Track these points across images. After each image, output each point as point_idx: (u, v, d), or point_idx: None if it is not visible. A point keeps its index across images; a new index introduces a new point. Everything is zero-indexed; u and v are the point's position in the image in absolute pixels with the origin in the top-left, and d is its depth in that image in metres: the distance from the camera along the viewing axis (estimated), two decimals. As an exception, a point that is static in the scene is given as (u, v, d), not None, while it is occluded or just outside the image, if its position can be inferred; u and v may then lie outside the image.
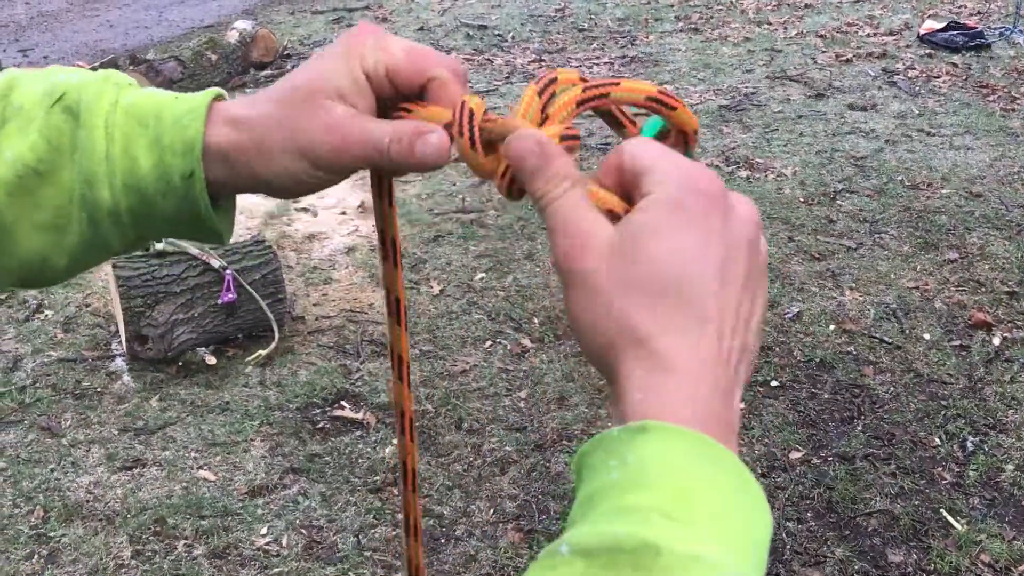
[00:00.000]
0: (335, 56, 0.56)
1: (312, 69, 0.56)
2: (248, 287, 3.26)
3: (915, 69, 6.25)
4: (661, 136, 0.54)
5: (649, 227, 0.46)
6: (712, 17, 7.79)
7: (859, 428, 2.94)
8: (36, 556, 2.48)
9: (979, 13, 7.58)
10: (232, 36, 6.32)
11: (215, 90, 0.58)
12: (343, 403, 3.07)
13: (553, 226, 0.48)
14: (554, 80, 0.52)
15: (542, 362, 3.26)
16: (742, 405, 3.04)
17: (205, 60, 5.95)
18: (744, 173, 4.70)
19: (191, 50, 6.06)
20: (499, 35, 7.40)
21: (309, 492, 2.70)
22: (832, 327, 3.43)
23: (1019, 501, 2.66)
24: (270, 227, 4.22)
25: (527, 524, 2.60)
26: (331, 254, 4.02)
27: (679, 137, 0.54)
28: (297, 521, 2.60)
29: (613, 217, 0.48)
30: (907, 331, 3.40)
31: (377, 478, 2.75)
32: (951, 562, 2.46)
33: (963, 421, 2.95)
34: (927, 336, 3.37)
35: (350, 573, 2.44)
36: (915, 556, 2.49)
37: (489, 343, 3.38)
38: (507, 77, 6.35)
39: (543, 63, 6.65)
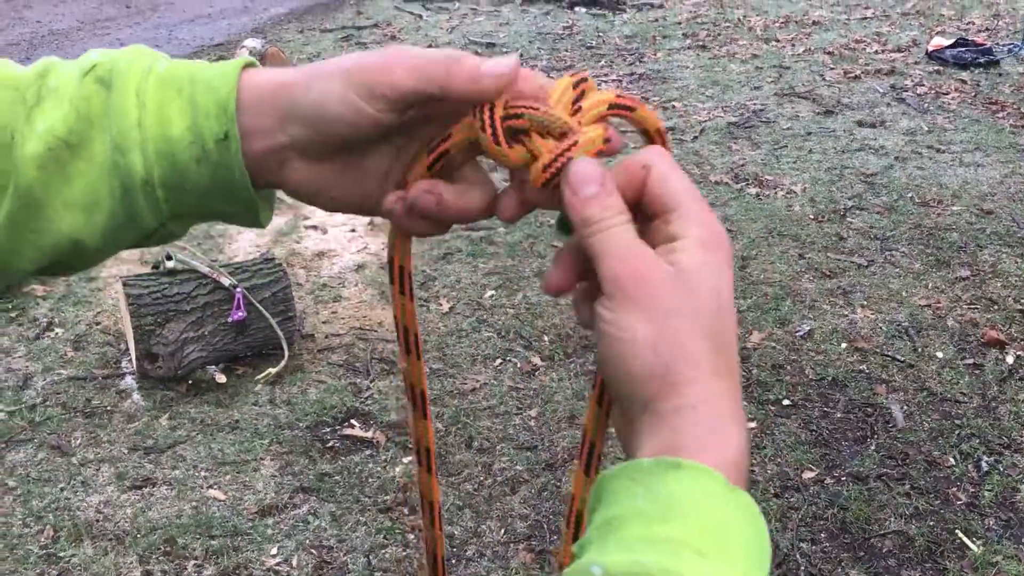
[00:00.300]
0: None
1: None
2: (258, 305, 3.26)
3: (924, 86, 6.25)
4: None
5: (707, 268, 0.49)
6: (720, 34, 7.81)
7: (872, 447, 2.91)
8: (45, 576, 2.48)
9: (987, 30, 7.59)
10: (242, 54, 6.35)
11: (248, 58, 0.57)
12: (353, 421, 3.06)
13: (605, 251, 0.49)
14: (585, 79, 0.54)
15: (552, 380, 3.25)
16: (753, 424, 3.02)
17: (215, 78, 5.98)
18: (753, 190, 4.69)
19: (201, 68, 6.08)
20: (507, 53, 7.42)
21: (319, 512, 2.69)
22: (844, 345, 3.41)
23: (1035, 522, 2.63)
24: (280, 245, 4.23)
25: (538, 544, 2.58)
26: (340, 271, 4.02)
27: (652, 138, 0.55)
28: (307, 541, 2.58)
29: None
30: (919, 349, 3.38)
31: (387, 497, 2.73)
32: (967, 584, 2.43)
33: (977, 440, 2.93)
34: (940, 354, 3.35)
35: (360, 594, 2.42)
36: (931, 578, 2.46)
37: (499, 361, 3.37)
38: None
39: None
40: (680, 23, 8.25)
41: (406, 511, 2.68)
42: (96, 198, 0.55)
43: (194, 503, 2.71)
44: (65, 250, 0.56)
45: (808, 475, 2.81)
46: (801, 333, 3.48)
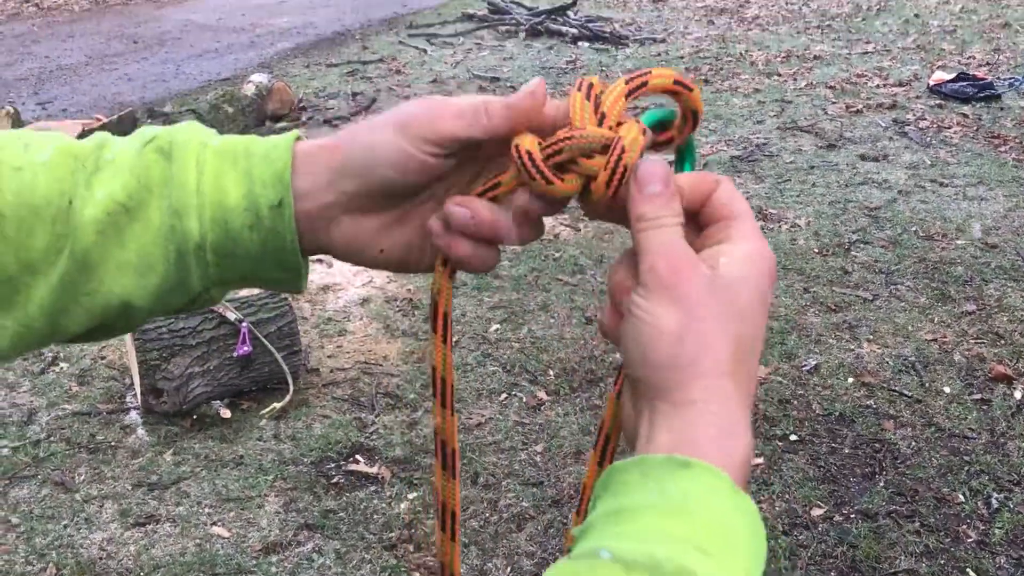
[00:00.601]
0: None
1: None
2: (264, 339, 3.25)
3: (926, 120, 6.28)
4: (661, 125, 0.59)
5: (747, 280, 0.51)
6: (722, 68, 7.87)
7: (881, 484, 2.89)
8: (47, 615, 2.45)
9: (988, 64, 7.64)
10: (248, 89, 6.41)
11: (297, 131, 0.61)
12: (358, 457, 3.04)
13: (650, 247, 0.52)
14: (592, 84, 0.56)
15: (558, 415, 3.24)
16: (760, 459, 3.00)
17: (222, 113, 6.03)
18: (758, 223, 4.69)
19: (208, 103, 6.14)
20: (512, 87, 7.47)
21: (324, 549, 2.66)
22: (851, 380, 3.40)
23: (1047, 560, 2.60)
24: (285, 278, 4.23)
25: (545, 583, 2.55)
26: (345, 305, 4.02)
27: (688, 118, 0.58)
28: (311, 579, 2.56)
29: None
30: (927, 384, 3.37)
31: (392, 534, 2.71)
32: (980, 624, 2.40)
33: (987, 477, 2.91)
34: (947, 389, 3.34)
35: (365, 633, 2.39)
36: (942, 617, 2.43)
37: (504, 396, 3.36)
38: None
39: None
40: (683, 57, 8.31)
41: (411, 548, 2.66)
42: (150, 261, 0.57)
43: (198, 540, 2.69)
44: (114, 312, 0.59)
45: (817, 512, 2.79)
46: (808, 367, 3.47)
